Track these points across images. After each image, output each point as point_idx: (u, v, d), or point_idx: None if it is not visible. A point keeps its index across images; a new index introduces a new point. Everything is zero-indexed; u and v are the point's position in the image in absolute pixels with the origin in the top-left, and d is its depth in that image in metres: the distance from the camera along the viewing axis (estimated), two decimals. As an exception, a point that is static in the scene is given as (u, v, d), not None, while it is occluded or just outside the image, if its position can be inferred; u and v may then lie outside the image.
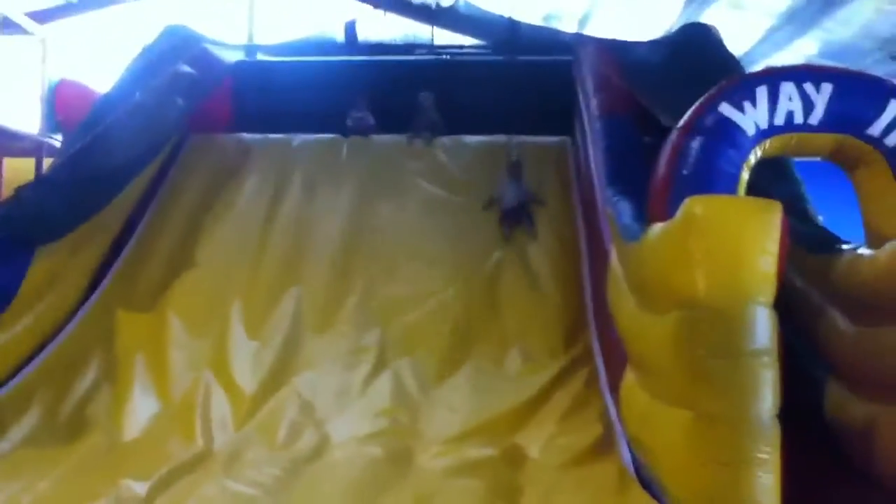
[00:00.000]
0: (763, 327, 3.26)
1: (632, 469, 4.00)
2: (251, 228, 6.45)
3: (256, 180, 6.88)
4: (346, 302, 5.86)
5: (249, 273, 6.07)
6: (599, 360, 5.12)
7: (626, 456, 4.11)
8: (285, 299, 5.85)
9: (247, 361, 5.35)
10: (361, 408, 4.97)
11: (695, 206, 3.40)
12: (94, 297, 5.74)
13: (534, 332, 5.58)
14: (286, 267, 6.14)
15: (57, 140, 7.98)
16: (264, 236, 6.39)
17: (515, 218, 6.35)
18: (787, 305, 3.53)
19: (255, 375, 5.24)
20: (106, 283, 5.90)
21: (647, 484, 3.80)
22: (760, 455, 3.16)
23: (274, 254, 6.26)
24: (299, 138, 7.25)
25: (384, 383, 5.16)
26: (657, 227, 3.77)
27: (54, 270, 5.32)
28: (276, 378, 5.24)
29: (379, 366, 5.31)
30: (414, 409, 4.95)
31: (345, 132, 7.25)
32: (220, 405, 4.96)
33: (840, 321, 3.98)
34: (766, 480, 3.18)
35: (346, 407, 4.99)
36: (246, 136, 7.38)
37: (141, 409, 4.95)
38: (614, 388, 4.54)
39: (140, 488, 3.94)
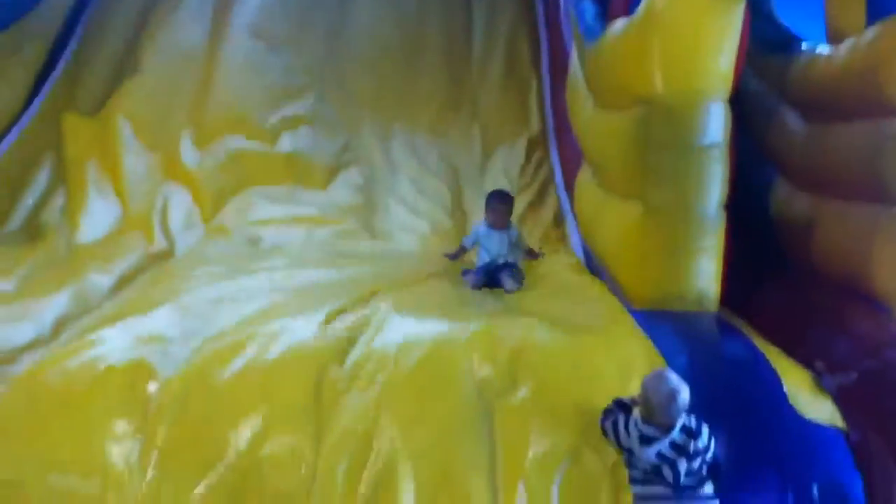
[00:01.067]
0: (717, 122, 3.31)
1: (583, 259, 4.18)
2: (197, 35, 6.19)
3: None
4: (302, 104, 5.80)
5: (197, 84, 5.87)
6: (556, 160, 5.22)
7: (578, 248, 4.30)
8: (237, 113, 5.72)
9: (203, 169, 5.31)
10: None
11: (656, 1, 3.34)
12: (38, 99, 5.56)
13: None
14: (237, 75, 5.96)
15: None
16: (212, 44, 6.15)
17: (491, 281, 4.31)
18: (741, 108, 3.58)
19: (213, 182, 5.24)
20: (50, 84, 5.68)
21: (597, 273, 3.99)
22: (705, 243, 3.32)
23: (223, 64, 6.04)
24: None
25: (347, 182, 5.26)
26: (618, 23, 3.71)
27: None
28: (233, 183, 5.25)
29: (343, 165, 5.39)
30: (374, 203, 5.19)
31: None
32: (180, 207, 4.98)
33: (792, 121, 4.05)
34: (709, 268, 3.37)
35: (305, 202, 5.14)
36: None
37: (99, 213, 4.94)
38: (569, 187, 4.66)
39: (104, 281, 4.01)
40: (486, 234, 4.34)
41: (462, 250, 4.52)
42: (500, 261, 4.26)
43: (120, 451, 2.72)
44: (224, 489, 2.66)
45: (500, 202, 4.39)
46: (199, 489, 2.65)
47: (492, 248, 4.30)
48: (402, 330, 3.18)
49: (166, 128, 5.53)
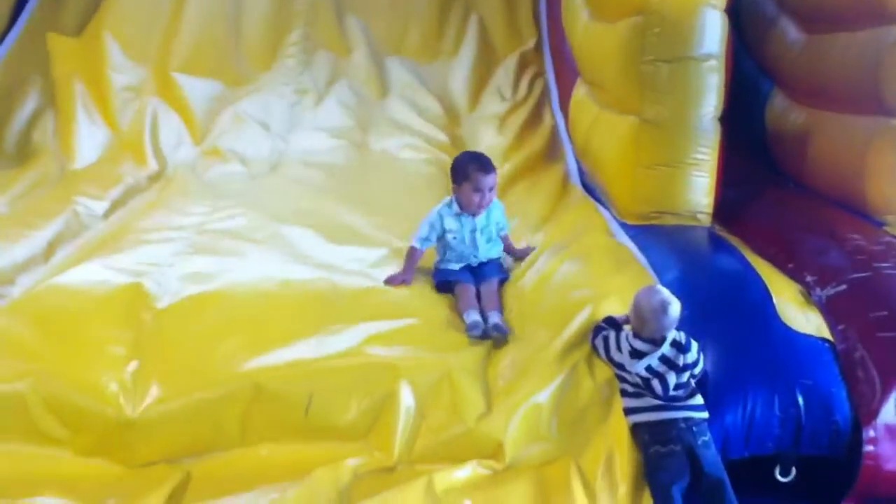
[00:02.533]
0: (713, 32, 3.24)
1: (576, 178, 4.16)
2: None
3: None
4: (288, 36, 5.63)
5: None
6: (552, 78, 5.12)
7: (572, 166, 4.27)
8: (225, 33, 5.58)
9: (192, 89, 5.21)
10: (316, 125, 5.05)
11: None
12: (21, 20, 5.41)
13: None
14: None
15: None
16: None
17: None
18: (737, 19, 3.51)
19: (203, 103, 5.15)
20: (32, 3, 5.52)
21: (590, 191, 3.98)
22: (699, 156, 3.30)
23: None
24: None
25: (334, 102, 5.17)
26: (614, -70, 3.59)
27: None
28: (223, 103, 5.17)
29: (326, 91, 5.29)
30: (366, 121, 5.11)
31: None
32: (171, 129, 4.92)
33: (790, 31, 3.97)
34: (702, 181, 3.36)
35: (300, 125, 5.04)
36: None
37: (89, 137, 4.85)
38: (564, 106, 4.60)
39: (97, 205, 4.00)
40: (455, 224, 3.16)
41: (412, 259, 3.19)
42: (475, 262, 3.21)
43: (118, 371, 2.75)
44: (223, 406, 2.70)
45: (482, 172, 3.11)
46: (198, 408, 2.69)
47: (463, 246, 3.18)
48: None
49: (153, 44, 5.40)
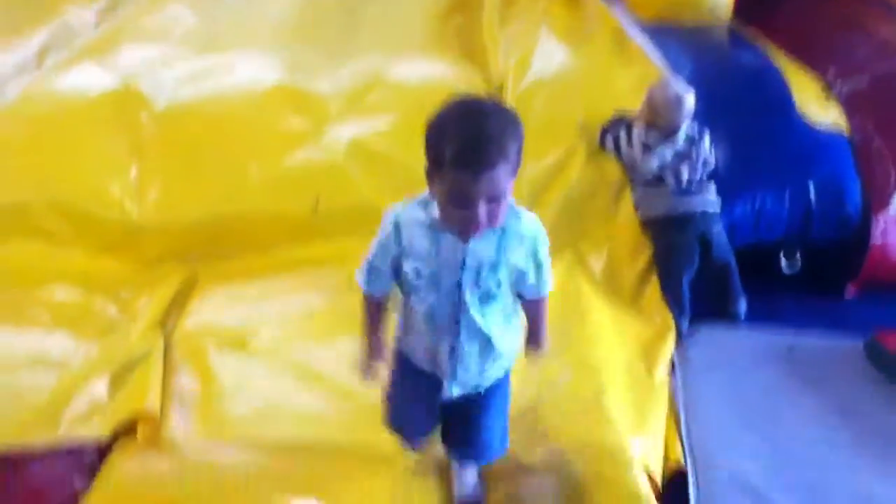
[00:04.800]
0: None
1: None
2: None
3: None
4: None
5: None
6: None
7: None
8: None
9: None
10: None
11: None
12: None
13: None
14: None
15: None
16: None
17: None
18: None
19: None
20: None
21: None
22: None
23: None
24: None
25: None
26: None
27: None
28: None
29: None
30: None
31: None
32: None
33: None
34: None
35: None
36: None
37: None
38: None
39: (87, 14, 3.82)
40: (426, 242, 1.48)
41: (372, 322, 1.63)
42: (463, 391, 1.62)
43: (120, 175, 2.72)
44: (228, 208, 2.69)
45: (468, 169, 1.33)
46: (204, 210, 2.68)
47: (434, 293, 1.52)
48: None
49: None
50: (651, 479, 1.82)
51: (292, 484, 1.79)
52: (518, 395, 1.81)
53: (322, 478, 1.81)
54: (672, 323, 2.36)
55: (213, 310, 2.42)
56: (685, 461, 1.92)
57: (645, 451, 1.88)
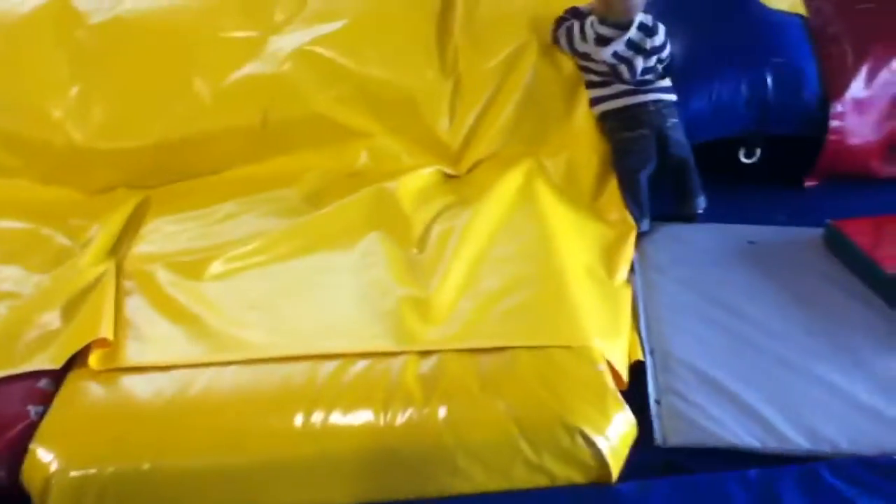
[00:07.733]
0: None
1: None
2: None
3: None
4: None
5: None
6: None
7: None
8: None
9: None
10: None
11: None
12: None
13: None
14: None
15: None
16: None
17: None
18: None
19: None
20: None
21: None
22: None
23: None
24: None
25: None
26: None
27: None
28: None
29: None
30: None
31: None
32: None
33: None
34: None
35: None
36: None
37: None
38: None
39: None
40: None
41: None
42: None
43: (60, 95, 2.62)
44: (175, 128, 2.60)
45: None
46: (150, 131, 2.60)
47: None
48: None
49: None
50: (617, 376, 1.84)
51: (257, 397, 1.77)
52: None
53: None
54: (633, 223, 2.34)
55: (165, 235, 2.36)
56: (644, 357, 1.93)
57: (610, 349, 1.89)
